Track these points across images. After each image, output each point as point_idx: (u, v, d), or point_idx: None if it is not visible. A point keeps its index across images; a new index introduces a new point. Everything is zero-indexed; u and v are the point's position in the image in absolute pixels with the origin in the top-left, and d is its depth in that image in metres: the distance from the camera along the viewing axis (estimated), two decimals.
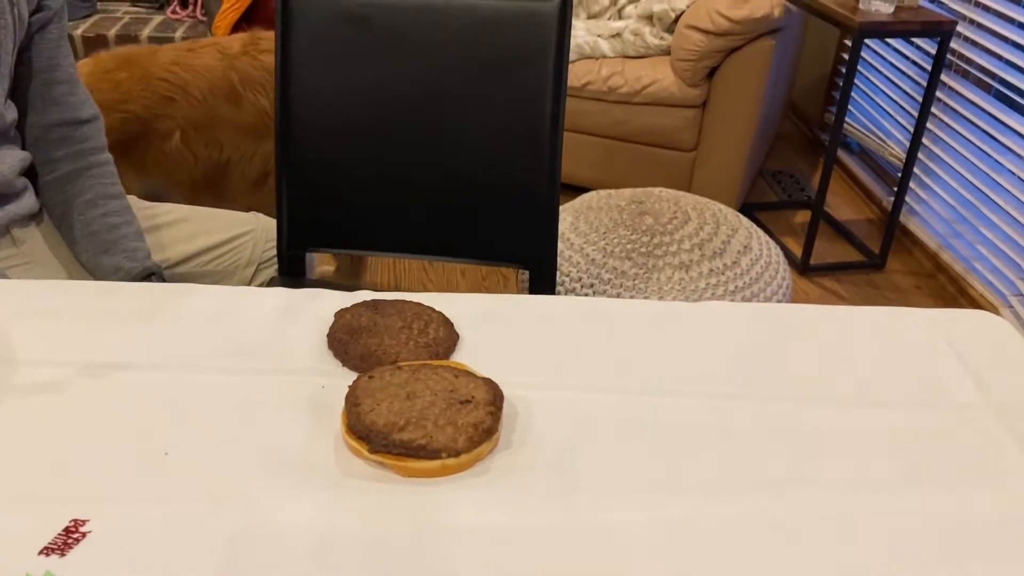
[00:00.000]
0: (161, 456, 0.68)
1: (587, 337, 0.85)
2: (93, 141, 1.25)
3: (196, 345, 0.81)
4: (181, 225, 1.35)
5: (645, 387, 0.78)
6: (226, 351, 0.80)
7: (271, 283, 1.39)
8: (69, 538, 0.60)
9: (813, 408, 0.76)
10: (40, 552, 0.59)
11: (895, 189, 2.59)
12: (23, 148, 1.21)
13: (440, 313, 0.84)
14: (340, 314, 0.84)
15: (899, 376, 0.81)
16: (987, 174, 2.39)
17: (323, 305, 0.87)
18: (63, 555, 0.59)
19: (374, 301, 0.86)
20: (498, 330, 0.85)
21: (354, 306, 0.85)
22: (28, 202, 1.19)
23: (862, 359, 0.83)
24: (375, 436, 0.67)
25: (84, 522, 0.62)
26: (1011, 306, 2.29)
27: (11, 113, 1.16)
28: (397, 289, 2.41)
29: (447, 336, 0.82)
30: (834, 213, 2.84)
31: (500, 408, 0.71)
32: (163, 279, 1.22)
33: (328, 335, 0.82)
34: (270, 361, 0.79)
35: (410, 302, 0.86)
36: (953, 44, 2.44)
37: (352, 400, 0.70)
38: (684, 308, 0.90)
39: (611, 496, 0.66)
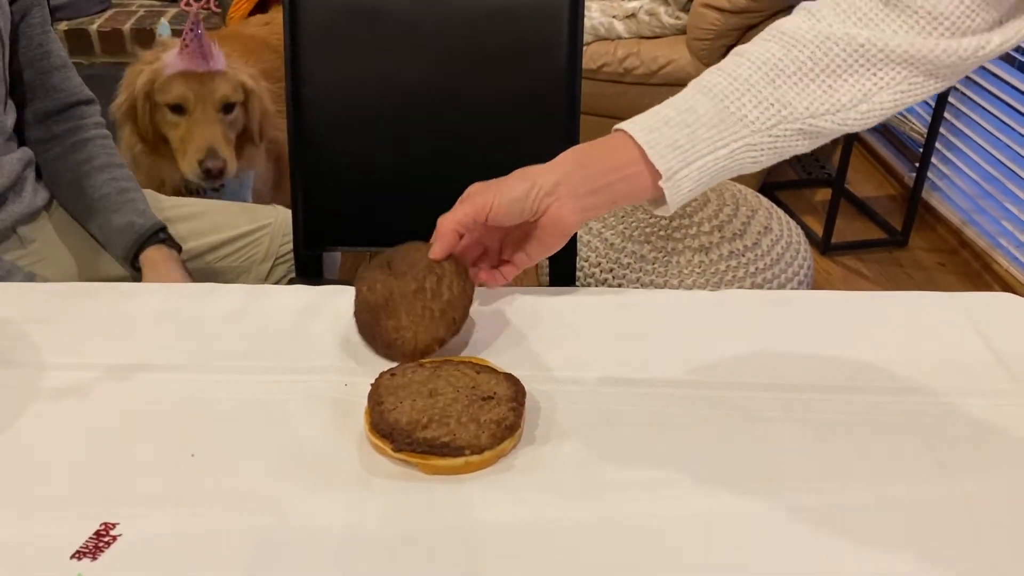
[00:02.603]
0: (187, 457, 0.69)
1: (607, 330, 0.85)
2: (95, 118, 1.29)
3: (218, 345, 0.82)
4: (198, 219, 1.36)
5: (667, 379, 0.78)
6: (248, 351, 0.81)
7: (289, 283, 1.40)
8: (100, 541, 0.61)
9: (840, 397, 0.76)
10: (72, 556, 0.60)
11: (917, 165, 2.56)
12: (21, 139, 1.22)
13: (452, 262, 0.80)
14: (358, 287, 0.82)
15: (925, 362, 0.80)
16: (1011, 147, 2.36)
17: (343, 302, 0.87)
18: (95, 559, 0.60)
19: (387, 258, 0.83)
20: (518, 324, 0.85)
21: (370, 274, 0.81)
22: (31, 200, 1.21)
23: (887, 346, 0.82)
24: (399, 434, 0.67)
25: (114, 525, 0.62)
26: None
27: (11, 117, 1.17)
28: None
29: (462, 291, 0.79)
30: (855, 190, 2.81)
31: (522, 404, 0.71)
32: (172, 240, 1.25)
33: (355, 315, 0.82)
34: (292, 360, 0.80)
35: (422, 251, 0.80)
36: None
37: (375, 399, 0.71)
38: (705, 297, 0.90)
39: (635, 490, 0.66)
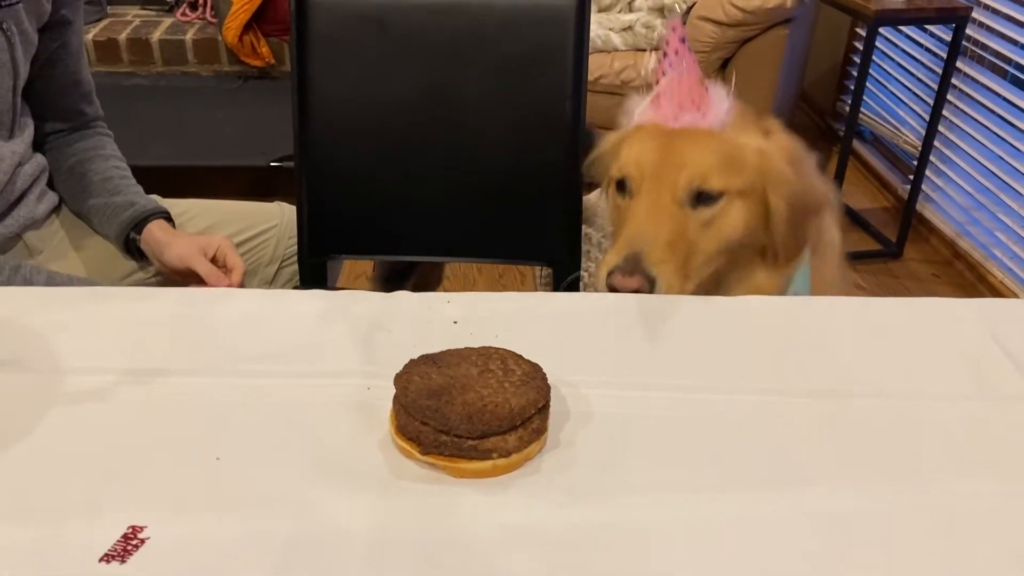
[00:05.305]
0: (212, 461, 0.68)
1: (625, 334, 0.85)
2: (103, 124, 1.32)
3: (238, 349, 0.81)
4: (200, 220, 1.35)
5: (690, 384, 0.78)
6: (268, 355, 0.81)
7: (294, 289, 1.39)
8: (128, 545, 0.60)
9: (861, 402, 0.76)
10: (100, 559, 0.59)
11: (911, 177, 2.58)
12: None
13: (500, 349, 0.75)
14: (405, 381, 0.70)
15: (942, 367, 0.80)
16: (1004, 160, 2.38)
17: (361, 307, 0.87)
18: (123, 562, 0.59)
19: (431, 357, 0.73)
20: (536, 328, 0.85)
21: (415, 368, 0.72)
22: (40, 207, 1.21)
23: (903, 350, 0.83)
24: (423, 411, 0.66)
25: (142, 528, 0.62)
26: None
27: (26, 134, 1.18)
28: (415, 288, 2.41)
29: (534, 368, 0.72)
30: (850, 202, 2.83)
31: (548, 406, 0.71)
32: (172, 222, 1.25)
33: (402, 405, 0.69)
34: (313, 364, 0.79)
35: (465, 349, 0.74)
36: (968, 30, 2.43)
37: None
38: (722, 302, 0.90)
39: (662, 493, 0.66)
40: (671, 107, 0.91)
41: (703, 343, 0.83)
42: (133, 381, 0.76)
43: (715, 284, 0.97)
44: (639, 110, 0.95)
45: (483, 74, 1.37)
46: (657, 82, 0.92)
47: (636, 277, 0.86)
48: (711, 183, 0.90)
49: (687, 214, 0.90)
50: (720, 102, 0.92)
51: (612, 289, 0.87)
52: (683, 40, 0.90)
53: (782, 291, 0.99)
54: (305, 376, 0.78)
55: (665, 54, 0.90)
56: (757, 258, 0.98)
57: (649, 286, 0.86)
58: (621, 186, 0.94)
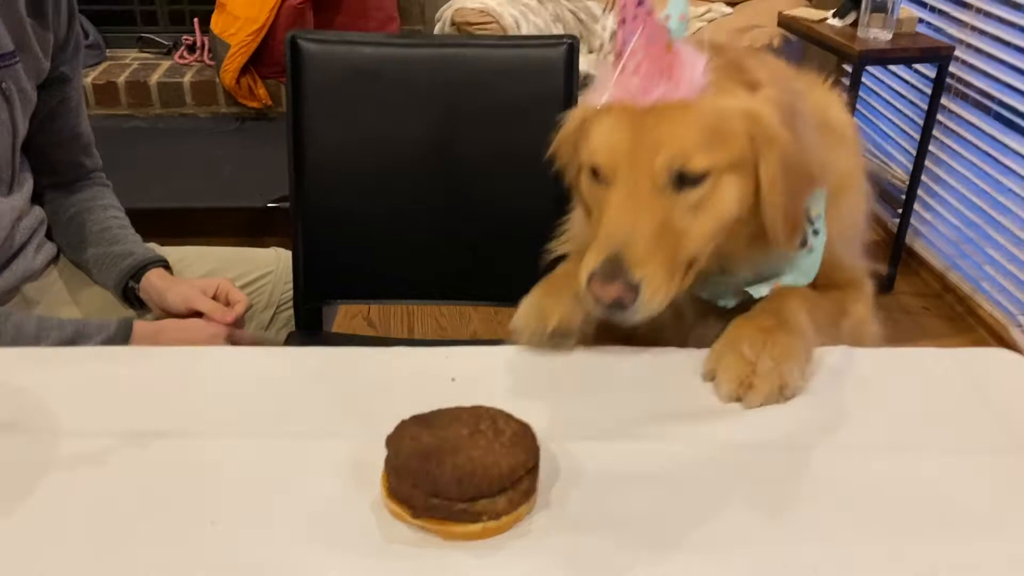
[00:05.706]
0: (208, 525, 0.70)
1: (617, 388, 0.86)
2: (100, 173, 1.34)
3: (232, 410, 0.83)
4: (197, 267, 1.37)
5: (679, 437, 0.79)
6: (263, 414, 0.82)
7: (289, 338, 1.40)
8: None
9: (846, 454, 0.77)
10: None
11: (899, 211, 2.61)
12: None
13: (491, 408, 0.75)
14: (396, 442, 0.71)
15: (925, 419, 0.82)
16: (990, 194, 2.42)
17: (357, 364, 0.88)
18: None
19: (422, 417, 0.74)
20: (529, 383, 0.87)
21: (407, 430, 0.72)
22: (38, 259, 1.23)
23: (886, 403, 0.84)
24: (417, 499, 0.68)
25: None
26: (1020, 325, 2.30)
27: (25, 188, 1.20)
28: (410, 331, 2.42)
29: (524, 428, 0.73)
30: None
31: (537, 467, 0.72)
32: (170, 270, 1.26)
33: (393, 467, 0.70)
34: (306, 424, 0.81)
35: (456, 408, 0.75)
36: (951, 68, 2.47)
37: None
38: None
39: (653, 552, 0.67)
40: (638, 81, 0.79)
41: (688, 396, 0.85)
42: (130, 444, 0.78)
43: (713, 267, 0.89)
44: (606, 88, 0.81)
45: (477, 121, 1.40)
46: (620, 54, 0.79)
47: (617, 284, 0.76)
48: (693, 163, 0.79)
49: (671, 200, 0.80)
50: (693, 65, 0.79)
51: (595, 297, 0.78)
52: (640, 2, 0.77)
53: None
54: (299, 437, 0.79)
55: (624, 20, 0.78)
56: (755, 240, 0.87)
57: (633, 294, 0.77)
58: (596, 173, 0.84)
